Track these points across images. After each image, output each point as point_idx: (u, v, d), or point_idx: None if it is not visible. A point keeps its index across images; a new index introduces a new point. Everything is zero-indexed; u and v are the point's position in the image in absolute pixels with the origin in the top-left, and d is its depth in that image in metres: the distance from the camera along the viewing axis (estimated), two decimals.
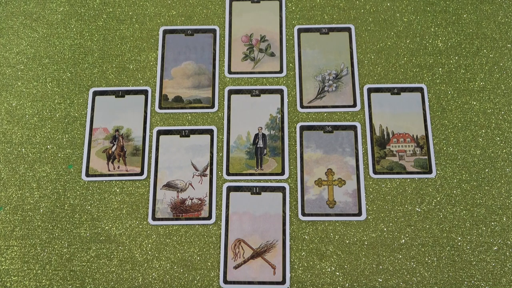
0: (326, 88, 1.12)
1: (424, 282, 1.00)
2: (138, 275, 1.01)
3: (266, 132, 1.09)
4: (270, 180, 1.07)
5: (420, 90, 1.12)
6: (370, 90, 1.12)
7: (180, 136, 1.10)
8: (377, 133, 1.09)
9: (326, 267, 1.01)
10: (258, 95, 1.12)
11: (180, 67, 1.15)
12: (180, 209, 1.05)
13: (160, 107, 1.12)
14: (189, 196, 1.06)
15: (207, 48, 1.16)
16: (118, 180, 1.07)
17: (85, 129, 1.11)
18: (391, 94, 1.11)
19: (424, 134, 1.08)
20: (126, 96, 1.13)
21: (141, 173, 1.07)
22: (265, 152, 1.08)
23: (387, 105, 1.11)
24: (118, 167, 1.08)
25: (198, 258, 1.02)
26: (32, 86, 1.14)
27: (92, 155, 1.09)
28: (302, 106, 1.11)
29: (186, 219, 1.04)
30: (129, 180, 1.07)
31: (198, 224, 1.04)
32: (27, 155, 1.09)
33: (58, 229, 1.04)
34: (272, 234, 1.03)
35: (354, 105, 1.11)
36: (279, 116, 1.11)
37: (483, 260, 1.01)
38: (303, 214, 1.04)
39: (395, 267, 1.01)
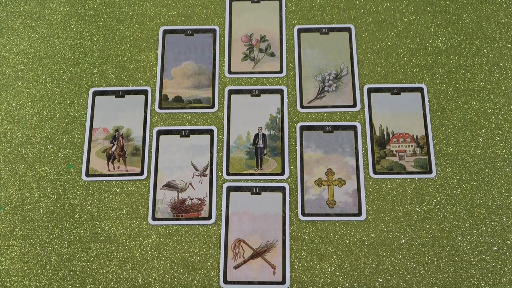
0: (326, 88, 1.12)
1: (424, 282, 1.00)
2: (138, 275, 1.01)
3: (266, 132, 1.09)
4: (270, 180, 1.07)
5: (420, 90, 1.12)
6: (370, 90, 1.12)
7: (180, 136, 1.10)
8: (377, 133, 1.09)
9: (326, 267, 1.01)
10: (258, 95, 1.12)
11: (180, 67, 1.15)
12: (180, 209, 1.05)
13: (160, 107, 1.12)
14: (189, 196, 1.06)
15: (207, 48, 1.16)
16: (118, 180, 1.07)
17: (85, 129, 1.11)
18: (391, 94, 1.11)
19: (424, 134, 1.08)
20: (126, 96, 1.13)
21: (141, 173, 1.07)
22: (265, 152, 1.08)
23: (387, 105, 1.11)
24: (118, 167, 1.08)
25: (198, 258, 1.02)
26: (32, 86, 1.14)
27: (92, 155, 1.09)
28: (302, 106, 1.11)
29: (186, 219, 1.04)
30: (129, 180, 1.07)
31: (198, 224, 1.04)
32: (27, 155, 1.09)
33: (58, 229, 1.04)
34: (272, 234, 1.03)
35: (354, 105, 1.11)
36: (279, 116, 1.11)
37: (483, 260, 1.01)
38: (303, 214, 1.04)
39: (395, 267, 1.00)
